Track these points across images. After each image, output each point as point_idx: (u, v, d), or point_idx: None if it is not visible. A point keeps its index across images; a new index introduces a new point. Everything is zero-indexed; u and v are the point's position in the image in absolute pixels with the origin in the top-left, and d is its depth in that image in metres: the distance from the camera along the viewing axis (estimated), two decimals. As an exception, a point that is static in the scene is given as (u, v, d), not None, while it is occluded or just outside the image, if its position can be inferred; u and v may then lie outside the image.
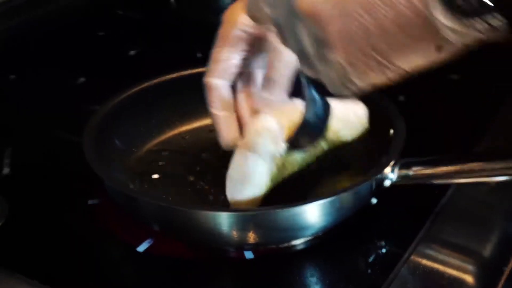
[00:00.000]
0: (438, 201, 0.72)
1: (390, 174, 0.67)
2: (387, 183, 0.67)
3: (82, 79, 1.02)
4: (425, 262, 0.65)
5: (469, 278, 0.64)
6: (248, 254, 0.66)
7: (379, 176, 0.66)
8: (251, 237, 0.63)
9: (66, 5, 1.28)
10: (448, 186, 0.73)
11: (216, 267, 0.66)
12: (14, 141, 0.86)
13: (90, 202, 0.74)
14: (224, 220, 0.61)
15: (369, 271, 0.64)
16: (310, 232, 0.66)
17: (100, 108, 0.77)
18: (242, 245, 0.66)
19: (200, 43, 1.14)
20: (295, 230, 0.63)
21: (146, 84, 0.82)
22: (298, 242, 0.67)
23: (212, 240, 0.65)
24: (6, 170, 0.80)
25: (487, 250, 0.67)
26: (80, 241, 0.69)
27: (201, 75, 0.85)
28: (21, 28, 1.19)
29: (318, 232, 0.66)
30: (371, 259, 0.66)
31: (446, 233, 0.69)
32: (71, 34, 1.19)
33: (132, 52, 1.11)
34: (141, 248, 0.67)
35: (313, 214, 0.63)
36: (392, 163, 0.66)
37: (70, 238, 0.70)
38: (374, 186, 0.66)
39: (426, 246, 0.67)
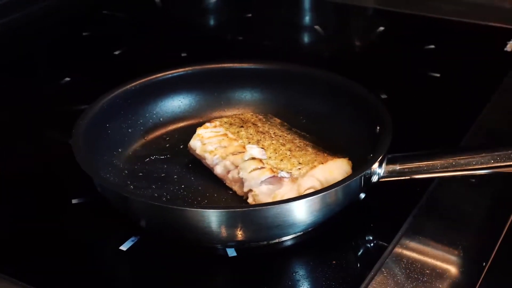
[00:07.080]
0: (421, 196, 0.72)
1: (378, 169, 0.67)
2: (375, 178, 0.67)
3: (67, 79, 1.02)
4: (408, 253, 0.65)
5: (451, 269, 0.64)
6: (231, 252, 0.66)
7: (367, 171, 0.66)
8: (240, 234, 0.63)
9: (51, 5, 1.27)
10: (430, 181, 0.74)
11: (198, 264, 0.65)
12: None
13: (74, 201, 0.73)
14: (214, 218, 0.61)
15: (354, 262, 0.65)
16: (299, 228, 0.66)
17: (89, 108, 0.76)
18: (231, 242, 0.65)
19: (185, 42, 1.15)
20: (285, 227, 0.63)
21: (132, 84, 0.81)
22: (286, 238, 0.67)
23: (202, 238, 0.65)
24: (-10, 170, 0.80)
25: (469, 242, 0.67)
26: (63, 240, 0.69)
27: (186, 75, 0.86)
28: (4, 28, 1.19)
29: (307, 228, 0.66)
30: (356, 251, 0.66)
31: (429, 226, 0.69)
32: (56, 33, 1.19)
33: (117, 52, 1.11)
34: (125, 246, 0.67)
35: (302, 211, 0.63)
36: (380, 158, 0.67)
37: (53, 237, 0.69)
38: (363, 182, 0.66)
39: (410, 239, 0.67)
